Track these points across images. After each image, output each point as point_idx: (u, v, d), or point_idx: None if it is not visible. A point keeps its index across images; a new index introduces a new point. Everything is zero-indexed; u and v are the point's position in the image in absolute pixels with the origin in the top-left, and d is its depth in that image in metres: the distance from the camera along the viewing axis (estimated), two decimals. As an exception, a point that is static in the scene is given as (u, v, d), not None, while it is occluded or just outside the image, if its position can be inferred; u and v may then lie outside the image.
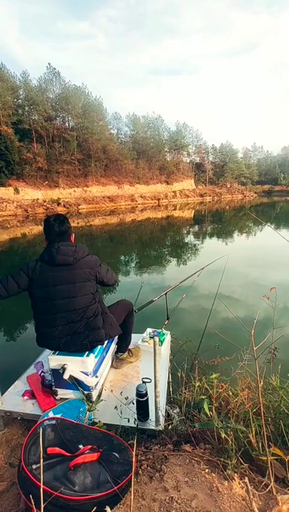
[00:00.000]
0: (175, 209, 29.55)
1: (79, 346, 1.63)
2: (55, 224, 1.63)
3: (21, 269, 1.60)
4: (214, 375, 1.71)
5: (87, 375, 1.63)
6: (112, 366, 2.10)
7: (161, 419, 1.53)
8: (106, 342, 1.96)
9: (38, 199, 27.28)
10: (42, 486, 0.79)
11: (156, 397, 1.51)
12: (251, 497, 1.03)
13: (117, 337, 2.16)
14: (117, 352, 2.15)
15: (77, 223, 18.06)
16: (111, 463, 1.12)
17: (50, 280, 1.58)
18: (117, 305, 2.02)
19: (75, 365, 1.62)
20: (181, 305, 2.96)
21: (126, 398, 1.63)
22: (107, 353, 1.98)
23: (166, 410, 1.70)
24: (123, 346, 2.14)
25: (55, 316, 1.60)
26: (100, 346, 1.79)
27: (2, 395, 1.78)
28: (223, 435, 1.24)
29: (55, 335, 1.61)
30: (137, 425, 1.50)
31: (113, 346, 2.15)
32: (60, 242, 1.62)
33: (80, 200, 30.21)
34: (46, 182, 30.70)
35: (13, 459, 1.46)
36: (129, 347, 2.20)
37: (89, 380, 1.62)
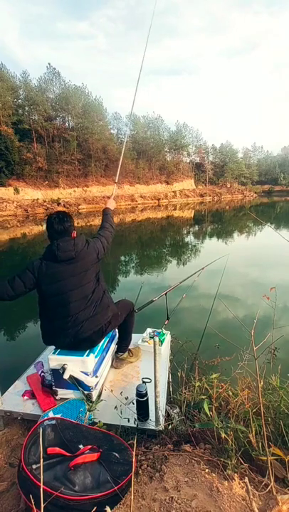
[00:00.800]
0: (175, 209, 29.55)
1: (92, 332, 1.67)
2: (54, 222, 1.66)
3: (27, 268, 1.64)
4: (214, 375, 1.71)
5: (87, 375, 1.63)
6: (112, 366, 2.10)
7: (161, 419, 1.53)
8: (106, 342, 1.96)
9: (38, 199, 27.26)
10: (42, 486, 0.79)
11: (156, 397, 1.51)
12: (251, 497, 1.03)
13: (117, 337, 2.16)
14: (117, 352, 2.15)
15: (77, 223, 18.04)
16: (111, 463, 1.13)
17: (57, 276, 1.62)
18: (117, 305, 2.02)
19: (75, 365, 1.62)
20: (181, 305, 2.96)
21: (126, 398, 1.63)
22: (107, 353, 1.98)
23: (166, 410, 1.70)
24: (123, 346, 2.15)
25: (67, 308, 1.63)
26: (100, 346, 1.79)
27: (2, 395, 1.78)
28: (223, 435, 1.24)
29: (69, 325, 1.64)
30: (137, 425, 1.50)
31: (113, 346, 2.15)
32: (60, 239, 1.64)
33: (80, 200, 30.18)
34: (46, 182, 30.68)
35: (13, 459, 1.46)
36: (129, 347, 2.20)
37: (89, 380, 1.62)
